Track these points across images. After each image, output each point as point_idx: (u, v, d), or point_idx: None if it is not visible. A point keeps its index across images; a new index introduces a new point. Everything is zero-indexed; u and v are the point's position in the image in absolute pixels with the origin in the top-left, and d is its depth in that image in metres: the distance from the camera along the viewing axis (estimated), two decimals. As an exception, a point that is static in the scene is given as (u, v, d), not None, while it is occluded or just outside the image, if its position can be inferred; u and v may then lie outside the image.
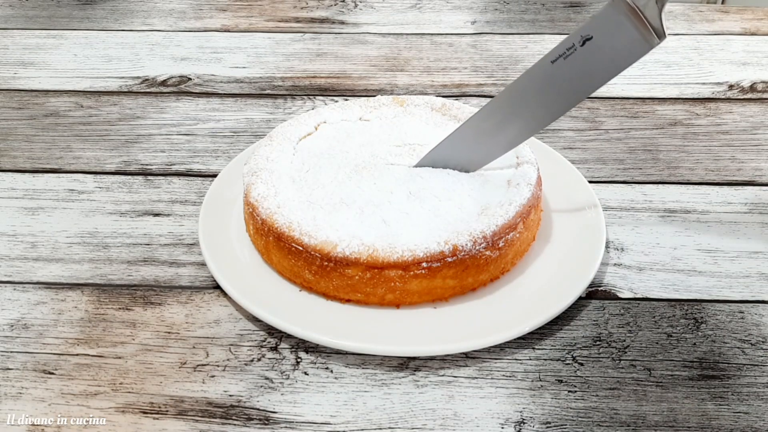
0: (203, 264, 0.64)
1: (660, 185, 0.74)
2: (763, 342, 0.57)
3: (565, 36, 0.58)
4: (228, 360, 0.57)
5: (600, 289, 0.62)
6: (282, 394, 0.54)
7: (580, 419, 0.52)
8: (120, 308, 0.61)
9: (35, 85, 0.92)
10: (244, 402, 0.54)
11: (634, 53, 0.56)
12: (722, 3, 1.55)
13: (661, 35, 0.55)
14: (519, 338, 0.57)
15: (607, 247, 0.65)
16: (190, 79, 0.92)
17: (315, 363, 0.56)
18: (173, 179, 0.75)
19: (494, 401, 0.53)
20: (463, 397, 0.54)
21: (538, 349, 0.57)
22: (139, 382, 0.55)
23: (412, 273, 0.57)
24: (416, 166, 0.65)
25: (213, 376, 0.55)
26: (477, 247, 0.57)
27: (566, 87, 0.59)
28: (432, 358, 0.56)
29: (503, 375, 0.55)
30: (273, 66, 0.95)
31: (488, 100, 0.87)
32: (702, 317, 0.60)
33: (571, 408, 0.53)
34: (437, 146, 0.65)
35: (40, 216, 0.71)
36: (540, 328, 0.58)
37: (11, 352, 0.57)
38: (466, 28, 1.04)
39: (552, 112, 0.61)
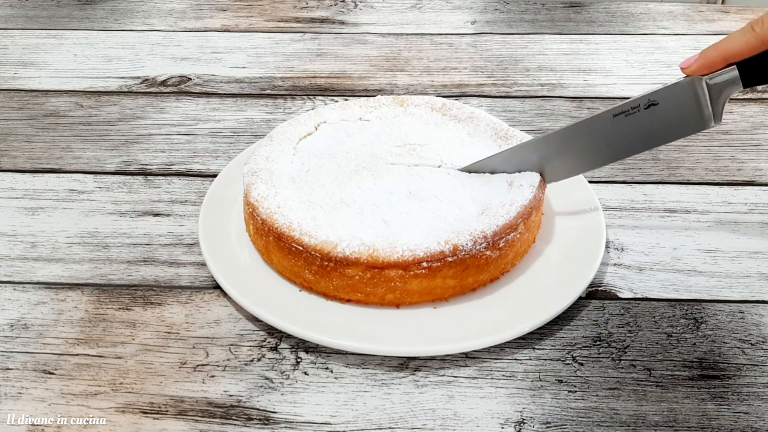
0: (203, 264, 0.64)
1: (660, 185, 0.74)
2: (763, 342, 0.57)
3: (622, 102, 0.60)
4: (228, 360, 0.57)
5: (600, 289, 0.62)
6: (282, 394, 0.54)
7: (580, 419, 0.52)
8: (120, 308, 0.61)
9: (35, 85, 0.92)
10: (244, 402, 0.54)
11: (687, 129, 0.59)
12: (722, 3, 1.55)
13: (718, 120, 0.58)
14: (519, 338, 0.57)
15: (607, 247, 0.65)
16: (190, 79, 0.92)
17: (315, 363, 0.56)
18: (173, 179, 0.75)
19: (494, 401, 0.53)
20: (463, 397, 0.54)
21: (538, 349, 0.57)
22: (139, 382, 0.55)
23: (412, 273, 0.57)
24: (461, 170, 0.66)
25: (213, 376, 0.55)
26: (477, 247, 0.57)
27: (619, 141, 0.61)
28: (432, 358, 0.56)
29: (503, 375, 0.55)
30: (273, 66, 0.95)
31: (488, 99, 0.88)
32: (702, 317, 0.60)
33: (571, 408, 0.53)
34: (481, 161, 0.65)
35: (40, 216, 0.71)
36: (540, 328, 0.57)
37: (11, 352, 0.57)
38: (466, 28, 1.04)
39: (598, 160, 0.64)
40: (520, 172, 0.64)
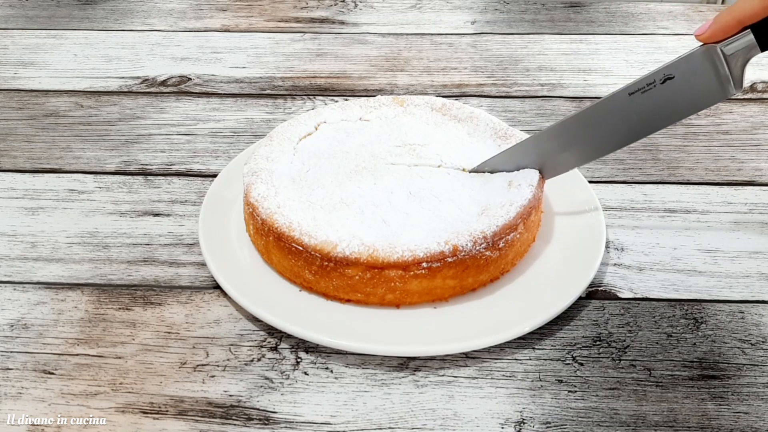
0: (203, 264, 0.64)
1: (660, 185, 0.74)
2: (763, 342, 0.57)
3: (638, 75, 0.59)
4: (228, 360, 0.57)
5: (600, 289, 0.62)
6: (282, 394, 0.54)
7: (580, 419, 0.52)
8: (120, 308, 0.61)
9: (35, 85, 0.92)
10: (244, 402, 0.54)
11: (709, 99, 0.58)
12: (722, 3, 1.55)
13: (738, 86, 0.56)
14: (519, 338, 0.57)
15: (607, 247, 0.65)
16: (190, 79, 0.92)
17: (315, 363, 0.56)
18: (173, 179, 0.75)
19: (494, 401, 0.53)
20: (463, 397, 0.54)
21: (538, 349, 0.57)
22: (139, 382, 0.55)
23: (412, 273, 0.57)
24: (472, 170, 0.65)
25: (213, 376, 0.55)
26: (477, 248, 0.57)
27: (637, 120, 0.60)
28: (432, 358, 0.56)
29: (503, 375, 0.55)
30: (273, 66, 0.95)
31: (488, 99, 0.88)
32: (702, 317, 0.60)
33: (571, 408, 0.53)
34: (497, 155, 0.65)
35: (40, 216, 0.71)
36: (540, 328, 0.57)
37: (11, 352, 0.57)
38: (466, 28, 1.04)
39: (617, 142, 0.62)
40: (538, 161, 0.64)
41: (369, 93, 0.89)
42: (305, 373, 0.56)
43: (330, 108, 0.73)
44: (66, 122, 0.85)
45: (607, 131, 0.61)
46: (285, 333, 0.58)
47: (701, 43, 0.56)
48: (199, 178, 0.76)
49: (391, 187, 0.63)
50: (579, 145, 0.63)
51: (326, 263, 0.57)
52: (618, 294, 0.62)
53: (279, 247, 0.60)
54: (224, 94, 0.90)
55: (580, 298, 0.61)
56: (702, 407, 0.53)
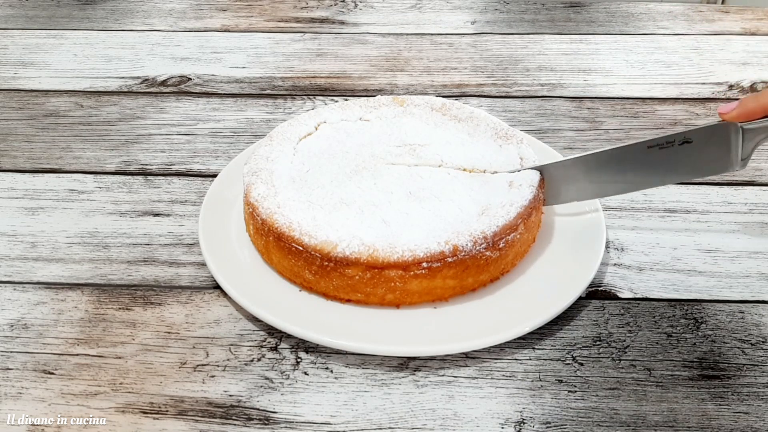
0: (203, 264, 0.64)
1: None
2: (763, 342, 0.57)
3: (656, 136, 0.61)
4: (228, 360, 0.57)
5: (600, 289, 0.62)
6: (282, 394, 0.54)
7: (580, 419, 0.52)
8: (120, 308, 0.61)
9: (35, 85, 0.92)
10: (244, 402, 0.54)
11: (714, 169, 0.61)
12: (722, 3, 1.55)
13: (744, 164, 0.59)
14: (519, 338, 0.57)
15: (607, 247, 0.65)
16: (190, 79, 0.92)
17: (315, 363, 0.56)
18: (173, 179, 0.75)
19: (494, 401, 0.53)
20: (463, 397, 0.54)
21: (538, 349, 0.57)
22: (139, 382, 0.55)
23: (412, 273, 0.57)
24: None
25: (213, 376, 0.55)
26: (477, 248, 0.57)
27: (648, 172, 0.62)
28: (432, 358, 0.56)
29: (503, 375, 0.55)
30: (273, 66, 0.95)
31: (488, 99, 0.88)
32: (702, 317, 0.60)
33: (571, 408, 0.53)
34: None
35: (40, 216, 0.71)
36: (540, 328, 0.57)
37: (11, 352, 0.57)
38: (466, 28, 1.04)
39: (623, 188, 0.65)
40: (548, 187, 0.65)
41: (369, 93, 0.89)
42: (305, 373, 0.56)
43: (330, 108, 0.73)
44: (66, 122, 0.85)
45: (617, 174, 0.63)
46: (285, 333, 0.58)
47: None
48: (199, 178, 0.76)
49: (391, 187, 0.63)
50: (588, 181, 0.64)
51: (326, 263, 0.57)
52: (618, 294, 0.62)
53: (279, 247, 0.60)
54: (224, 94, 0.90)
55: (580, 298, 0.61)
56: (702, 407, 0.53)
